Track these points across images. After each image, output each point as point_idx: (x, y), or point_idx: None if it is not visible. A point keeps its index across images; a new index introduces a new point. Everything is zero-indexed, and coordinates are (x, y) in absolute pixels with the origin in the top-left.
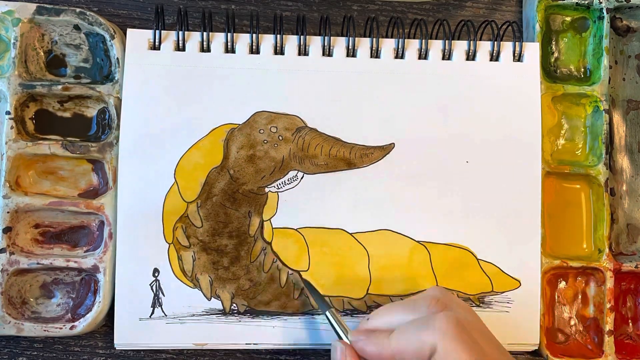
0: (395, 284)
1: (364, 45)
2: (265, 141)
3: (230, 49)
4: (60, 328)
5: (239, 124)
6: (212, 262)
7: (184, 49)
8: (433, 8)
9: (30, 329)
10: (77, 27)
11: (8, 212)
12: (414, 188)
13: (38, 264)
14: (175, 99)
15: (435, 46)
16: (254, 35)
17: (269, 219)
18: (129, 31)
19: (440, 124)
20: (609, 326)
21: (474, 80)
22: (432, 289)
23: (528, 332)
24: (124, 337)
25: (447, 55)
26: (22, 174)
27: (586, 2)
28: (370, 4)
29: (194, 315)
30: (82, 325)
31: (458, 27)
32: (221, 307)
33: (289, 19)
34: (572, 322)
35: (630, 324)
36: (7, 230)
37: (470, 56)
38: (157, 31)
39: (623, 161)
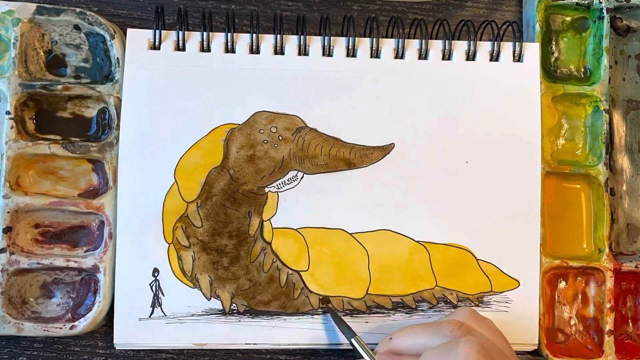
0: (395, 284)
1: (364, 45)
2: (265, 141)
3: (230, 49)
4: (60, 328)
5: (239, 124)
6: (212, 262)
7: (184, 49)
8: (433, 8)
9: (30, 329)
10: (77, 27)
11: (8, 212)
12: (414, 188)
13: (38, 263)
14: (175, 99)
15: (435, 46)
16: (254, 35)
17: (269, 219)
18: (129, 31)
19: (440, 124)
20: (609, 326)
21: (474, 80)
22: (459, 312)
23: (527, 332)
24: (124, 337)
25: (447, 55)
26: (22, 174)
27: (586, 2)
28: (370, 4)
29: (193, 315)
30: (82, 325)
31: (458, 27)
32: (221, 307)
33: (289, 19)
34: (572, 322)
35: (630, 324)
36: (7, 230)
37: (470, 56)
38: (157, 31)
39: (623, 161)
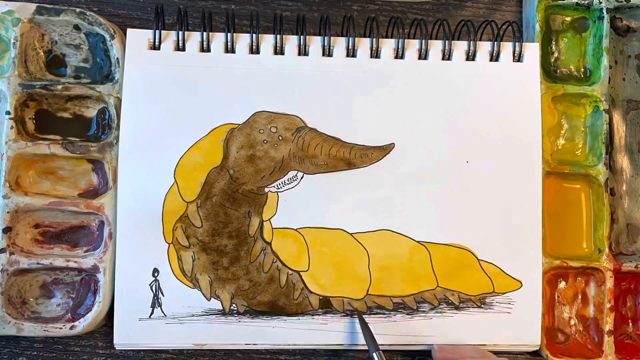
0: (395, 285)
1: (364, 45)
2: (265, 141)
3: (230, 49)
4: (60, 328)
5: (239, 124)
6: (212, 262)
7: (184, 49)
8: (433, 8)
9: (30, 329)
10: (77, 27)
11: (8, 212)
12: (414, 188)
13: (38, 264)
14: (175, 99)
15: (435, 46)
16: (254, 35)
17: (269, 219)
18: (129, 31)
19: (440, 124)
20: (609, 326)
21: (474, 80)
22: None
23: (529, 333)
24: (124, 337)
25: (447, 56)
26: (22, 174)
27: (586, 2)
28: (370, 4)
29: (193, 315)
30: (82, 325)
31: (458, 27)
32: (221, 308)
33: (289, 19)
34: (572, 322)
35: (630, 324)
36: (7, 230)
37: (470, 56)
38: (157, 31)
39: (623, 161)
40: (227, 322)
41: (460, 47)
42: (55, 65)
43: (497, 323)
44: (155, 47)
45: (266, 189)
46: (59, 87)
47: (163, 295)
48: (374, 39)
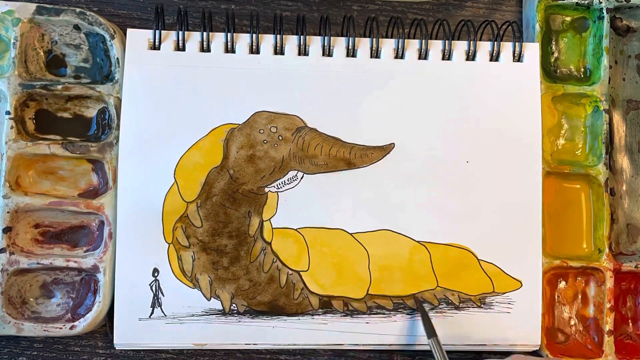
0: (395, 285)
1: (364, 45)
2: (265, 141)
3: (230, 49)
4: (60, 328)
5: (239, 124)
6: (212, 262)
7: (184, 49)
8: (433, 8)
9: (30, 329)
10: (77, 27)
11: (8, 212)
12: (414, 188)
13: (38, 264)
14: (175, 99)
15: (435, 46)
16: (254, 35)
17: (269, 219)
18: (129, 31)
19: (440, 124)
20: (609, 326)
21: (474, 80)
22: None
23: (529, 333)
24: (124, 337)
25: (447, 56)
26: (22, 174)
27: (586, 2)
28: (370, 4)
29: (193, 315)
30: (82, 325)
31: (458, 27)
32: (221, 307)
33: (289, 19)
34: (572, 322)
35: (630, 324)
36: (7, 230)
37: (470, 56)
38: (157, 31)
39: (623, 161)
40: (227, 322)
41: (460, 47)
42: (55, 65)
43: (497, 323)
44: (155, 47)
45: (266, 189)
46: (59, 87)
47: (163, 295)
48: (374, 39)
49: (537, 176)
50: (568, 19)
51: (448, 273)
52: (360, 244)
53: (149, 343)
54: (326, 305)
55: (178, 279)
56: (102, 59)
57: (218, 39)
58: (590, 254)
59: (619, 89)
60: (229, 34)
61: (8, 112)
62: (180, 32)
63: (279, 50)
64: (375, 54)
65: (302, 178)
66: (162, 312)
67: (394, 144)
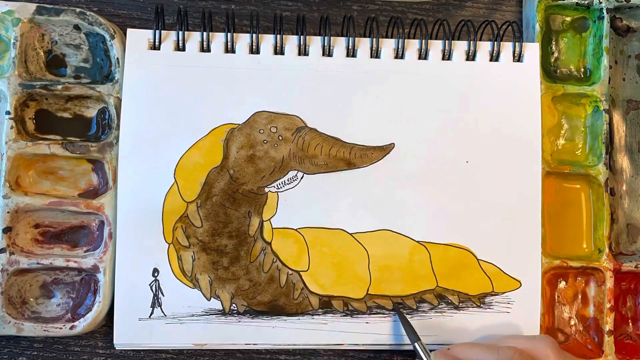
0: (395, 285)
1: (364, 45)
2: (265, 141)
3: (230, 49)
4: (60, 328)
5: (239, 124)
6: (212, 262)
7: (184, 49)
8: (433, 8)
9: (30, 329)
10: (77, 27)
11: (8, 212)
12: (414, 188)
13: (38, 264)
14: (175, 99)
15: (435, 46)
16: (254, 35)
17: (269, 219)
18: (129, 31)
19: (440, 124)
20: (609, 326)
21: (474, 80)
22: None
23: (529, 333)
24: (124, 337)
25: (447, 56)
26: (22, 174)
27: (586, 2)
28: (370, 4)
29: (193, 315)
30: (82, 325)
31: (458, 27)
32: (221, 308)
33: (289, 19)
34: (572, 322)
35: (630, 324)
36: (7, 230)
37: (470, 56)
38: (157, 31)
39: (623, 161)
40: (227, 322)
41: (460, 47)
42: (55, 65)
43: (496, 323)
44: (155, 47)
45: (266, 189)
46: (59, 87)
47: (163, 295)
48: (374, 39)
49: (537, 176)
50: (568, 19)
51: (448, 273)
52: (360, 244)
53: (149, 343)
54: (326, 305)
55: (178, 279)
56: (102, 59)
57: (218, 39)
58: (590, 254)
59: (619, 89)
60: (229, 34)
61: (8, 112)
62: (180, 32)
63: (279, 50)
64: (375, 54)
65: (302, 178)
66: (162, 312)
67: (394, 144)
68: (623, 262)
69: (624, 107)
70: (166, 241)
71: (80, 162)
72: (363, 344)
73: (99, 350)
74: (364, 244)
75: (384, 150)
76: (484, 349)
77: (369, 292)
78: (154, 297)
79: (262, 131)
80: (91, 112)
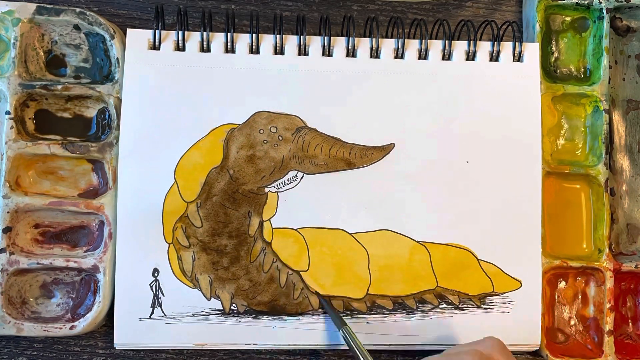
0: (395, 284)
1: (364, 45)
2: (265, 141)
3: (230, 49)
4: (60, 328)
5: (239, 124)
6: (212, 262)
7: (184, 49)
8: (433, 8)
9: (30, 329)
10: (77, 27)
11: (8, 212)
12: (414, 188)
13: (38, 264)
14: (175, 99)
15: (435, 46)
16: (254, 35)
17: (269, 219)
18: (129, 31)
19: (440, 124)
20: (608, 326)
21: (474, 80)
22: (485, 341)
23: (529, 333)
24: (124, 337)
25: (447, 56)
26: (22, 174)
27: (586, 2)
28: (370, 4)
29: (193, 315)
30: (82, 325)
31: (458, 27)
32: (221, 308)
33: (289, 19)
34: (572, 322)
35: (630, 324)
36: (7, 230)
37: (470, 56)
38: (157, 31)
39: (623, 161)
40: (227, 322)
41: (460, 47)
42: (55, 65)
43: (497, 323)
44: (155, 47)
45: (266, 189)
46: (59, 87)
47: (163, 295)
48: (374, 39)
49: (537, 176)
50: (568, 19)
51: (448, 273)
52: (360, 244)
53: (149, 343)
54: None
55: (178, 279)
56: (102, 59)
57: (218, 39)
58: (590, 254)
59: (619, 89)
60: (229, 34)
61: (8, 112)
62: (180, 32)
63: (279, 50)
64: (375, 54)
65: (302, 178)
66: (162, 312)
67: (394, 144)
68: (623, 262)
69: (624, 107)
70: (166, 241)
71: (80, 162)
72: (363, 344)
73: (99, 350)
74: (364, 244)
75: (384, 150)
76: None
77: (369, 292)
78: (154, 297)
79: (262, 131)
80: (91, 112)
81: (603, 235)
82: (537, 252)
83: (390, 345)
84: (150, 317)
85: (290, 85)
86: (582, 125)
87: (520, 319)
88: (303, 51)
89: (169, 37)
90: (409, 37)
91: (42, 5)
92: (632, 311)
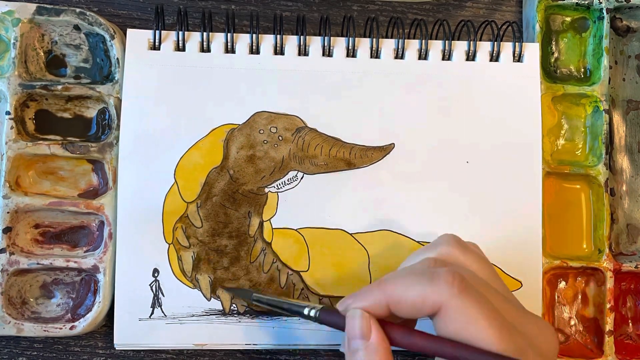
0: None
1: (364, 45)
2: (265, 141)
3: (230, 49)
4: (60, 328)
5: (239, 124)
6: (212, 262)
7: (184, 49)
8: (433, 8)
9: (30, 329)
10: (77, 27)
11: (8, 212)
12: (414, 188)
13: (38, 264)
14: (175, 99)
15: (435, 46)
16: (254, 35)
17: (269, 219)
18: (129, 31)
19: (440, 124)
20: (609, 326)
21: (474, 80)
22: (440, 240)
23: None
24: (124, 337)
25: (447, 56)
26: (22, 174)
27: (586, 2)
28: (370, 4)
29: (193, 315)
30: (82, 325)
31: (458, 27)
32: (221, 308)
33: (289, 19)
34: (572, 322)
35: (630, 324)
36: (7, 230)
37: (470, 56)
38: (157, 31)
39: (623, 161)
40: (227, 322)
41: (460, 47)
42: (55, 66)
43: None
44: (155, 47)
45: (266, 189)
46: (59, 87)
47: (163, 296)
48: (374, 39)
49: (537, 176)
50: (568, 19)
51: None
52: (360, 244)
53: (149, 343)
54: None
55: (178, 279)
56: (102, 59)
57: (218, 39)
58: (590, 254)
59: (619, 89)
60: (229, 34)
61: (8, 112)
62: (180, 32)
63: (279, 51)
64: (375, 54)
65: (302, 178)
66: (162, 312)
67: (394, 144)
68: (623, 262)
69: (624, 107)
70: (166, 241)
71: (80, 162)
72: None
73: (99, 350)
74: (364, 244)
75: (384, 150)
76: (416, 280)
77: None
78: (154, 298)
79: (262, 131)
80: (91, 112)
81: (603, 236)
82: (537, 252)
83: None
84: (150, 317)
85: (290, 85)
86: (582, 125)
87: None
88: (303, 51)
89: (169, 37)
90: (409, 37)
91: (42, 5)
92: (632, 311)
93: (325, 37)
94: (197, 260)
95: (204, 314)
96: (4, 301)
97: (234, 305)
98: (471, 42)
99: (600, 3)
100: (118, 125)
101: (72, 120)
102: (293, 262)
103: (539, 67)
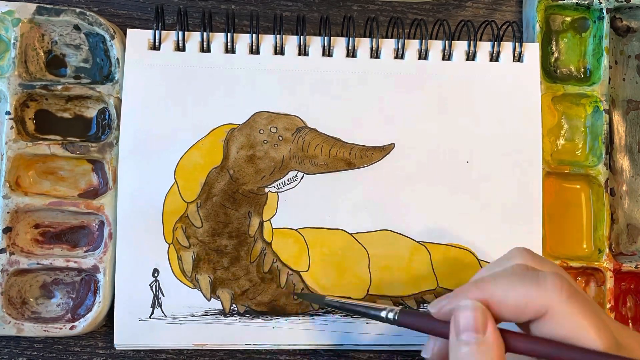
0: (395, 285)
1: (364, 45)
2: (265, 141)
3: (230, 49)
4: (60, 328)
5: (239, 124)
6: (212, 262)
7: (184, 49)
8: (433, 8)
9: (30, 329)
10: (77, 27)
11: (8, 212)
12: (414, 188)
13: (38, 264)
14: (175, 99)
15: (435, 46)
16: (254, 35)
17: (269, 219)
18: (129, 31)
19: (440, 124)
20: None
21: (474, 80)
22: (513, 253)
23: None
24: (124, 338)
25: (447, 56)
26: (22, 174)
27: (586, 2)
28: (370, 4)
29: (193, 315)
30: (82, 325)
31: (458, 27)
32: (221, 308)
33: (289, 19)
34: None
35: (630, 324)
36: (7, 230)
37: (470, 56)
38: (157, 31)
39: (623, 161)
40: (227, 322)
41: (460, 47)
42: (55, 66)
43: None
44: (155, 47)
45: (266, 189)
46: (59, 87)
47: (163, 296)
48: (374, 39)
49: (537, 176)
50: (568, 19)
51: (448, 273)
52: (360, 244)
53: (149, 343)
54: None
55: (178, 279)
56: (102, 59)
57: (218, 39)
58: (590, 254)
59: (619, 89)
60: (229, 34)
61: (8, 112)
62: (180, 32)
63: (279, 50)
64: (375, 54)
65: (302, 178)
66: (162, 312)
67: (394, 144)
68: (623, 262)
69: (624, 107)
70: (166, 241)
71: (80, 162)
72: (363, 344)
73: (99, 350)
74: (364, 244)
75: (384, 150)
76: (522, 285)
77: (369, 293)
78: (154, 298)
79: (262, 131)
80: (91, 112)
81: (603, 236)
82: (538, 252)
83: (391, 345)
84: (150, 317)
85: (290, 85)
86: (582, 125)
87: None
88: (303, 51)
89: (169, 37)
90: (409, 37)
91: (42, 5)
92: (632, 311)
93: (325, 37)
94: (197, 260)
95: (204, 314)
96: (4, 301)
97: (234, 305)
98: (471, 42)
99: (600, 3)
100: (118, 125)
101: (72, 120)
102: (293, 262)
103: (539, 67)
